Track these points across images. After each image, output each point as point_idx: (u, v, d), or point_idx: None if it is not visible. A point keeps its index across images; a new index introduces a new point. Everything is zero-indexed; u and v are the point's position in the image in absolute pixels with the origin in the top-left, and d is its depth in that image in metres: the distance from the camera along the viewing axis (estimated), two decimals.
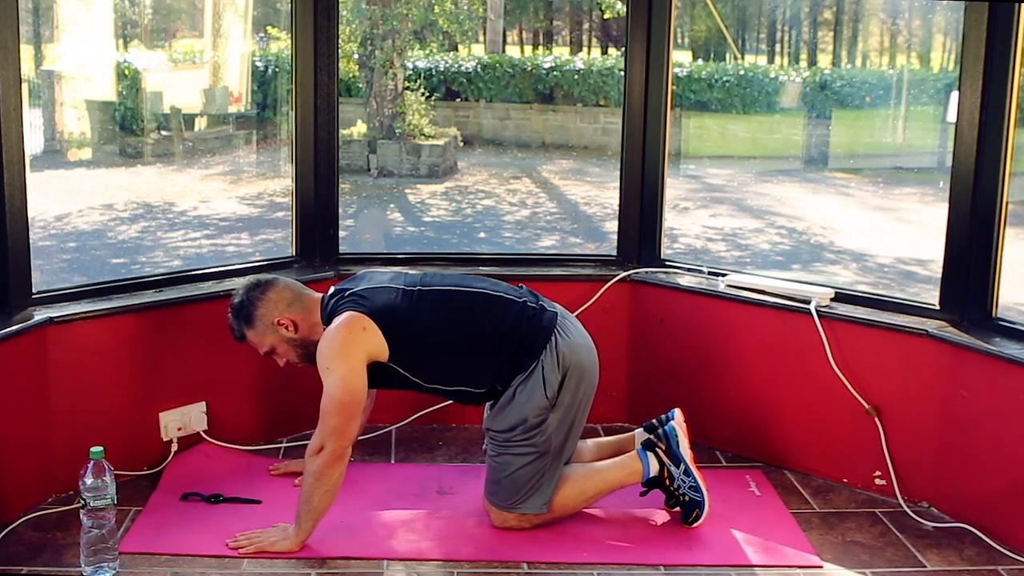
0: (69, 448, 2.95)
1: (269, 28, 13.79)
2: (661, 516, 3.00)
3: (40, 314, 2.96)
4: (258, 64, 13.29)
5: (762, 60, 20.24)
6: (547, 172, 12.75)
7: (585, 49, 24.43)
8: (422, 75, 13.60)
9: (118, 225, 8.83)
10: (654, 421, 3.07)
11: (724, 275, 3.52)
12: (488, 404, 2.94)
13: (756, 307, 3.35)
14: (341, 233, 3.70)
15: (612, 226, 4.76)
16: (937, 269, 3.20)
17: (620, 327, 3.62)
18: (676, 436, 2.96)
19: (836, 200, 11.50)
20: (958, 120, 3.00)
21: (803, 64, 19.63)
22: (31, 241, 3.02)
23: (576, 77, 14.33)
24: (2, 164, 2.88)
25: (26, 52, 6.95)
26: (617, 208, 3.73)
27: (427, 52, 14.49)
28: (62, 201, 9.36)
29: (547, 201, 11.05)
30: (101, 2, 12.06)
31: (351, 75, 12.84)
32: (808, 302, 3.25)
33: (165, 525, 2.86)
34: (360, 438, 3.28)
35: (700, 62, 15.85)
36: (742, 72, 14.52)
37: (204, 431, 3.30)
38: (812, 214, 10.39)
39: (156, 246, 8.24)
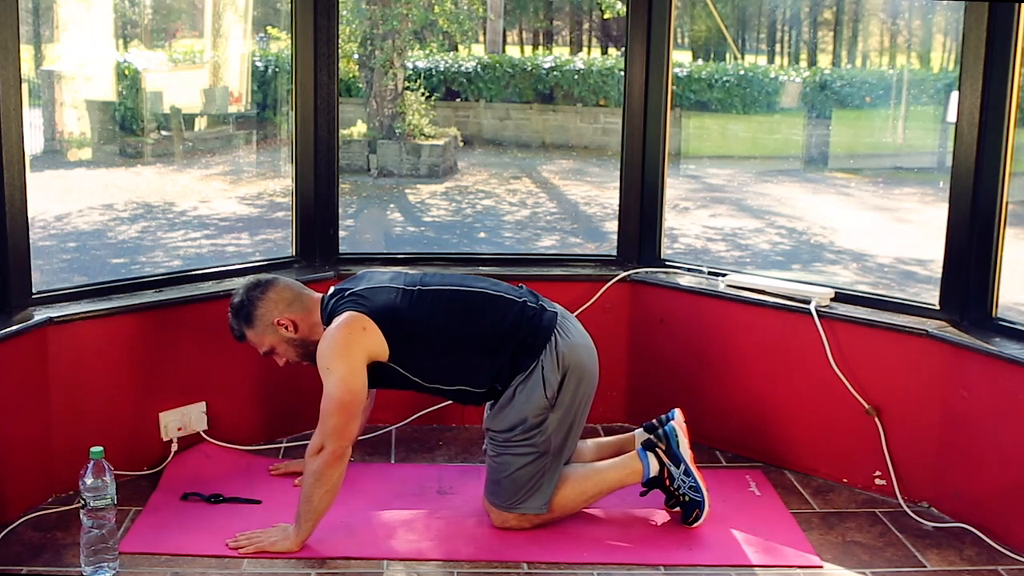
0: (69, 448, 2.95)
1: (269, 28, 13.79)
2: (661, 516, 3.00)
3: (40, 314, 2.96)
4: (258, 64, 13.29)
5: (762, 60, 20.24)
6: (547, 172, 12.76)
7: (585, 49, 24.43)
8: (422, 75, 13.60)
9: (118, 225, 8.83)
10: (654, 421, 3.07)
11: (724, 275, 3.52)
12: (488, 404, 2.94)
13: (756, 307, 3.35)
14: (341, 233, 3.70)
15: (612, 226, 4.76)
16: (937, 269, 3.20)
17: (620, 327, 3.62)
18: (676, 436, 2.96)
19: (836, 200, 11.50)
20: (958, 120, 3.00)
21: (803, 64, 19.63)
22: (31, 241, 3.02)
23: (576, 77, 14.33)
24: (2, 164, 2.88)
25: (26, 52, 6.95)
26: (617, 208, 3.73)
27: (427, 52, 14.49)
28: (62, 201, 9.36)
29: (547, 201, 11.05)
30: (101, 2, 12.06)
31: (351, 75, 12.84)
32: (808, 302, 3.25)
33: (165, 525, 2.86)
34: (360, 438, 3.28)
35: (700, 62, 15.85)
36: (742, 72, 14.52)
37: (204, 431, 3.30)
38: (812, 214, 10.39)
39: (156, 246, 8.24)
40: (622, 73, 3.69)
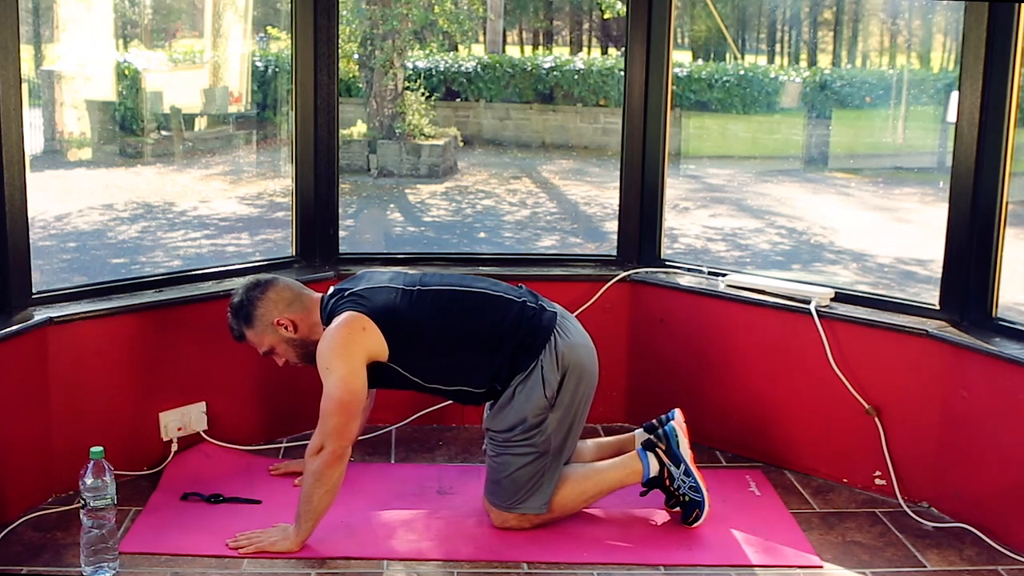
0: (69, 448, 2.95)
1: (269, 28, 13.79)
2: (661, 516, 3.00)
3: (40, 314, 2.96)
4: (258, 64, 13.29)
5: (762, 60, 20.24)
6: (547, 172, 12.75)
7: (585, 49, 24.43)
8: (422, 75, 13.60)
9: (118, 225, 8.83)
10: (654, 421, 3.07)
11: (724, 275, 3.52)
12: (488, 404, 2.94)
13: (756, 307, 3.35)
14: (341, 233, 3.70)
15: (612, 226, 4.76)
16: (937, 269, 3.20)
17: (620, 327, 3.62)
18: (676, 436, 2.96)
19: (836, 200, 11.50)
20: (958, 120, 3.00)
21: (803, 64, 19.63)
22: (31, 241, 3.02)
23: (576, 77, 14.33)
24: (2, 164, 2.88)
25: (26, 52, 6.95)
26: (617, 208, 3.73)
27: (427, 52, 14.49)
28: (62, 201, 9.36)
29: (547, 201, 11.05)
30: (101, 2, 12.06)
31: (351, 75, 12.84)
32: (808, 302, 3.25)
33: (165, 525, 2.86)
34: (360, 438, 3.28)
35: (700, 62, 15.85)
36: (742, 72, 14.52)
37: (204, 431, 3.30)
38: (812, 214, 10.39)
39: (156, 246, 8.24)
40: (622, 73, 3.69)
